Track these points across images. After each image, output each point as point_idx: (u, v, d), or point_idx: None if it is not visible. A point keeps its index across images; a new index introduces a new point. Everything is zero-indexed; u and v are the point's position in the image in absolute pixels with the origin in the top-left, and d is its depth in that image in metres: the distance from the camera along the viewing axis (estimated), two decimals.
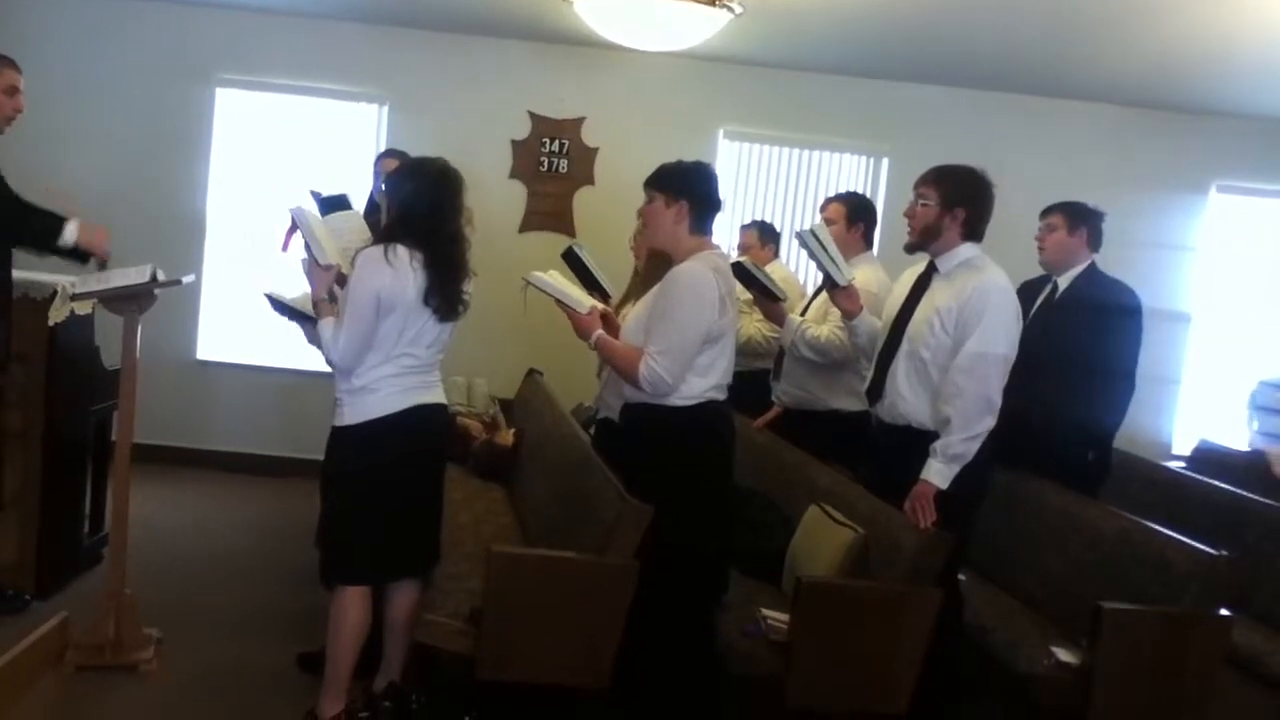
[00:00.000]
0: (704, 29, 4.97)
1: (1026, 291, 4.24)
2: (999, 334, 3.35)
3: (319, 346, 3.27)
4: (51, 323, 4.03)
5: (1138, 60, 5.79)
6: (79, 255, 3.84)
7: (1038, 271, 4.32)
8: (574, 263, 4.18)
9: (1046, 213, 4.23)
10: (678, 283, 3.29)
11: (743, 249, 5.59)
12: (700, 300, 3.27)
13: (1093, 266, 4.18)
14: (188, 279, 4.01)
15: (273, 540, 5.35)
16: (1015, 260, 4.14)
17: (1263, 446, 5.57)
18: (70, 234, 3.71)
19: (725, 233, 6.01)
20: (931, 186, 3.50)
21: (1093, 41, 5.54)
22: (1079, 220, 4.16)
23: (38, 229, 3.74)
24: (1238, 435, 6.46)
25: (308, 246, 3.32)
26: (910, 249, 3.61)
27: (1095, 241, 4.20)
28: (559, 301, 3.43)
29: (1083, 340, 3.99)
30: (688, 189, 3.38)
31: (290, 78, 6.64)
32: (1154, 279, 6.44)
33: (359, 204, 4.21)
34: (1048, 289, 4.20)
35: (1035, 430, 3.91)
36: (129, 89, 6.56)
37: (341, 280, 3.33)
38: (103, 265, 3.86)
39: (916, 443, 3.42)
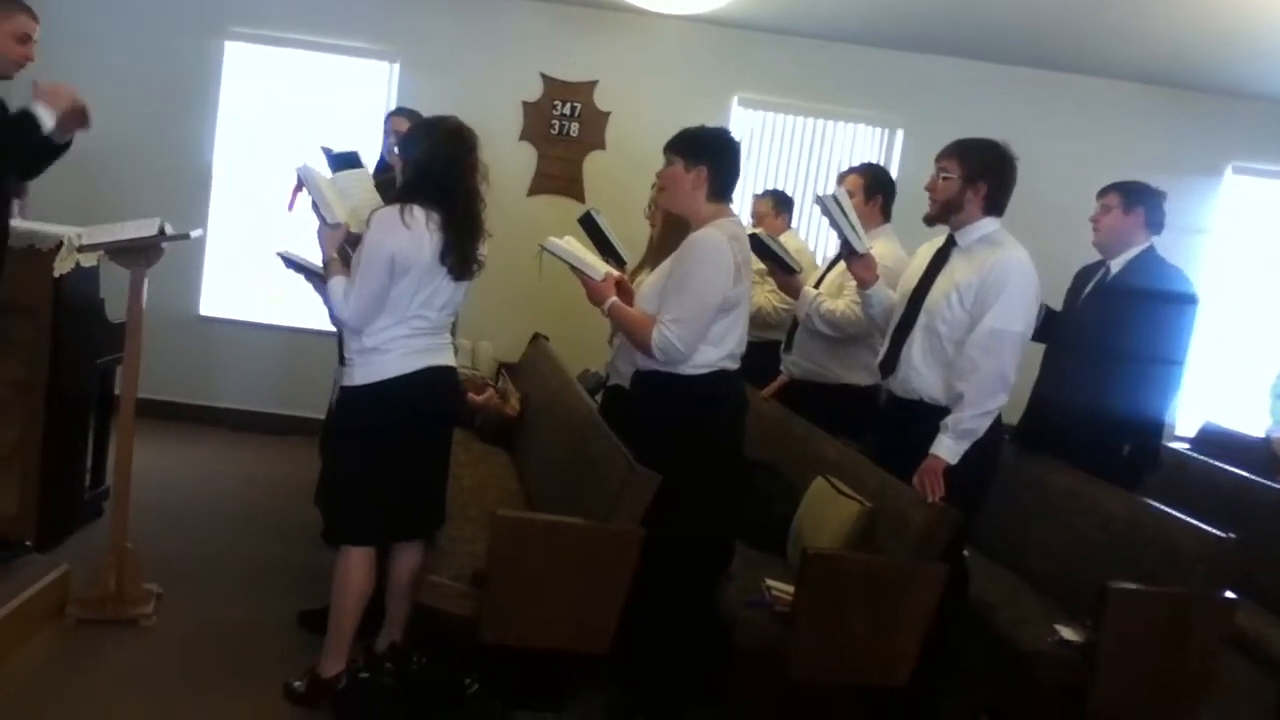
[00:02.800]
0: None
1: (1081, 277, 4.15)
2: (1017, 311, 3.32)
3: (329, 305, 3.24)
4: (57, 274, 3.99)
5: (1156, 38, 5.72)
6: (63, 147, 3.56)
7: (1052, 249, 4.26)
8: (591, 228, 4.14)
9: (1102, 193, 4.05)
10: (694, 250, 3.25)
11: (757, 218, 5.54)
12: (716, 268, 3.23)
13: (1150, 250, 3.98)
14: (196, 233, 3.97)
15: (274, 497, 5.35)
16: (1028, 238, 4.08)
17: (1272, 434, 5.54)
18: (46, 117, 3.35)
19: (739, 201, 5.94)
20: (954, 159, 3.45)
21: (1111, 18, 5.47)
22: (1135, 199, 3.97)
23: (4, 127, 3.38)
24: (1246, 418, 6.43)
25: (315, 206, 3.29)
26: (930, 221, 3.57)
27: (1155, 223, 3.99)
28: (573, 267, 3.39)
29: (1131, 326, 3.82)
30: (708, 155, 3.34)
31: (302, 33, 6.56)
32: (1167, 258, 6.38)
33: (369, 162, 4.16)
34: (1100, 272, 4.04)
35: (1071, 420, 3.86)
36: (138, 41, 6.49)
37: (350, 239, 3.30)
38: (87, 123, 3.56)
39: (928, 417, 3.40)
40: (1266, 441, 5.55)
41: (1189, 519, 3.41)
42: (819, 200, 3.74)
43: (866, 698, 3.44)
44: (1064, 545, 3.77)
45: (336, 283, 3.18)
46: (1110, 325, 3.86)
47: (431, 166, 3.19)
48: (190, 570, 4.24)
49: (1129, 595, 3.20)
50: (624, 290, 3.45)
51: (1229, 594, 3.28)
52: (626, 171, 6.18)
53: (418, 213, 3.11)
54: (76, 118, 3.50)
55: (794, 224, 5.88)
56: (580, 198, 6.60)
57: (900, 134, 6.77)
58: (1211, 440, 5.78)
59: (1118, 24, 5.57)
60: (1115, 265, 4.00)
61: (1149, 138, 6.78)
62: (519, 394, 5.18)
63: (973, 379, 3.30)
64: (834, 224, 3.71)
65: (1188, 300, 3.92)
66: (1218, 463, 4.71)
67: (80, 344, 4.28)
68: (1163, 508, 3.54)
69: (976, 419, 3.30)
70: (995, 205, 3.45)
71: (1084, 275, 4.15)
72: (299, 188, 3.41)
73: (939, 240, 3.58)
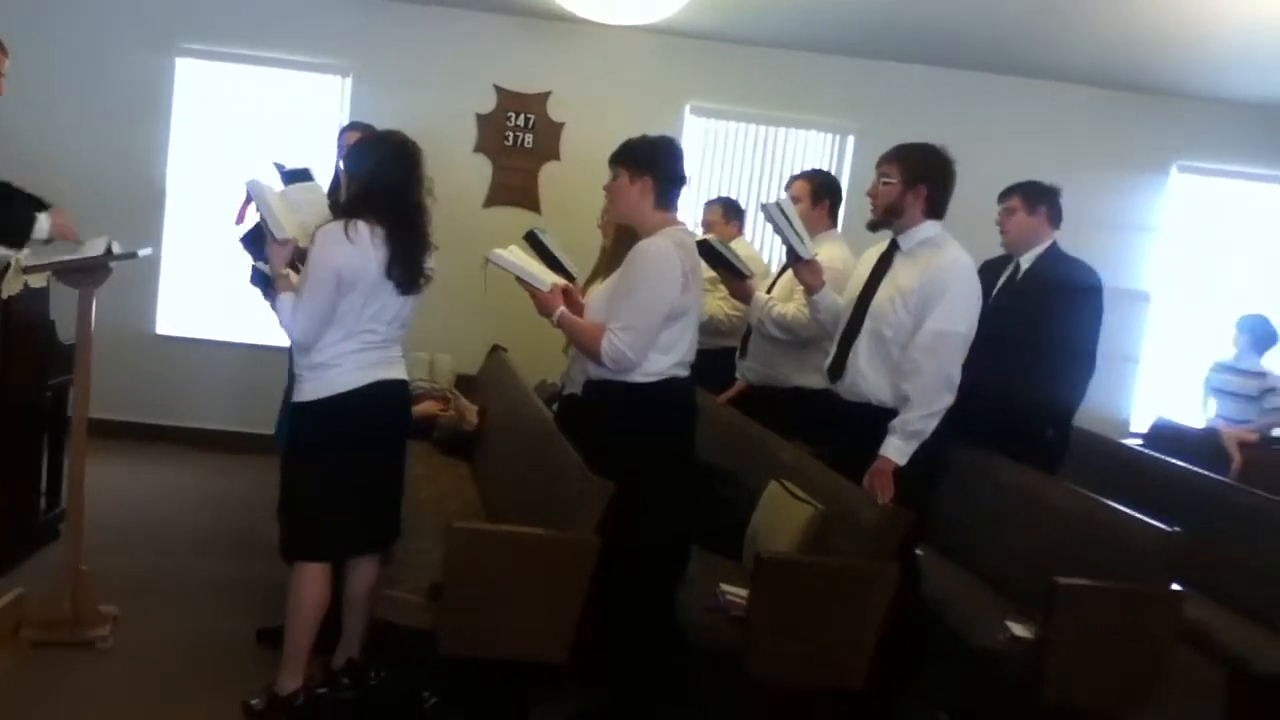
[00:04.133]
0: (670, 3, 4.95)
1: (988, 272, 4.24)
2: (960, 313, 3.38)
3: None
4: (4, 296, 3.95)
5: (1102, 42, 5.83)
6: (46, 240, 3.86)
7: (1001, 251, 4.34)
8: (536, 246, 4.15)
9: (1004, 195, 4.24)
10: (641, 258, 3.28)
11: (707, 225, 5.58)
12: (663, 276, 3.26)
13: (1054, 246, 4.19)
14: (144, 252, 3.95)
15: (232, 515, 5.32)
16: (978, 239, 4.15)
17: (1219, 427, 5.65)
18: (43, 229, 3.71)
19: (691, 209, 5.99)
20: (894, 164, 3.51)
21: (1058, 22, 5.57)
22: (1037, 199, 4.17)
23: (15, 222, 3.75)
24: (1194, 413, 6.54)
25: (263, 221, 3.29)
26: (873, 227, 3.63)
27: (1055, 218, 4.21)
28: (520, 279, 3.41)
29: (1043, 319, 4.01)
30: (652, 164, 3.37)
31: (253, 48, 6.55)
32: (1115, 258, 6.51)
33: (324, 178, 4.16)
34: (1010, 269, 4.21)
35: (995, 408, 3.93)
36: (89, 58, 6.45)
37: (300, 255, 3.30)
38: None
39: (877, 420, 3.44)
40: (1214, 434, 5.66)
41: (1137, 514, 3.47)
42: (763, 208, 3.79)
43: (828, 699, 3.47)
44: (1017, 542, 3.82)
45: (285, 299, 3.18)
46: (1024, 320, 4.02)
47: (377, 181, 3.20)
48: (148, 590, 4.22)
49: (1077, 591, 3.24)
50: (573, 301, 3.47)
51: (1176, 587, 3.34)
52: (582, 181, 6.18)
53: (362, 227, 3.12)
54: (67, 237, 3.90)
55: (746, 231, 5.92)
56: (536, 208, 6.63)
57: (851, 139, 6.85)
58: (1164, 436, 5.86)
59: (1065, 28, 5.66)
60: (1025, 261, 4.18)
61: (1096, 138, 6.89)
62: (477, 406, 5.19)
63: (918, 380, 3.35)
64: (779, 231, 3.76)
65: (1093, 291, 4.11)
66: (1169, 458, 4.78)
67: (31, 365, 4.26)
68: (1112, 504, 3.59)
69: (923, 420, 3.35)
70: (936, 208, 3.51)
71: (991, 269, 4.26)
72: (248, 202, 3.41)
73: (883, 245, 3.63)
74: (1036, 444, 4.06)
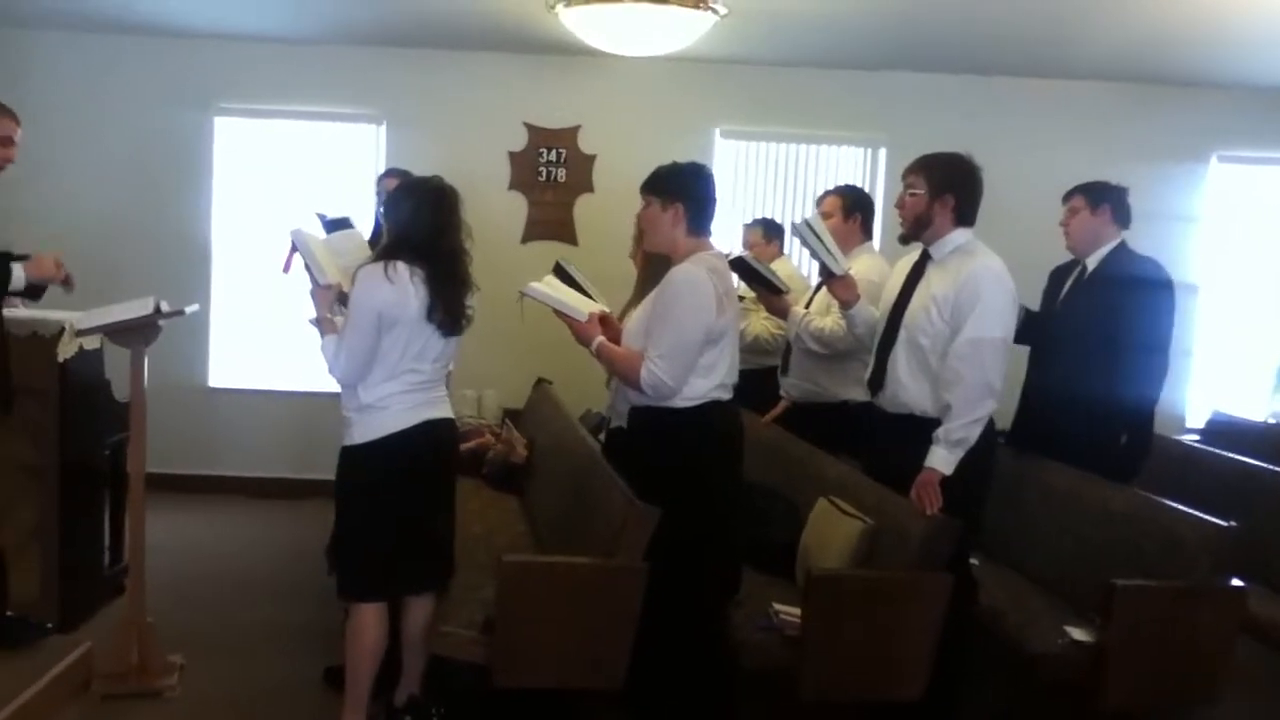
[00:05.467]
0: (689, 33, 4.99)
1: (1057, 277, 4.23)
2: (995, 318, 3.36)
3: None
4: (61, 359, 4.08)
5: (1131, 36, 5.77)
6: (35, 291, 3.78)
7: (1040, 256, 4.31)
8: (563, 278, 4.19)
9: (1067, 196, 4.15)
10: (674, 285, 3.31)
11: (748, 247, 5.59)
12: (697, 301, 3.29)
13: (1122, 246, 4.07)
14: (191, 309, 4.05)
15: (292, 560, 5.39)
16: (1019, 244, 4.13)
17: None
18: (19, 278, 3.61)
19: (728, 232, 6.02)
20: (919, 175, 3.52)
21: (1085, 20, 5.53)
22: (1100, 198, 4.06)
23: None
24: (1252, 406, 6.43)
25: (308, 267, 3.37)
26: (904, 240, 3.63)
27: (1122, 218, 4.09)
28: (557, 311, 3.46)
29: (1112, 319, 3.89)
30: (683, 191, 3.40)
31: (287, 103, 6.71)
32: (1160, 251, 6.24)
33: (364, 225, 4.25)
34: (1076, 271, 4.12)
35: (1065, 416, 3.91)
36: (128, 122, 6.64)
37: (344, 298, 3.37)
38: (68, 288, 3.76)
39: (920, 430, 3.43)
40: (1276, 426, 5.56)
41: (1189, 510, 3.43)
42: (793, 228, 3.81)
43: (880, 714, 3.46)
44: (1068, 545, 3.79)
45: (328, 341, 3.26)
46: (1094, 319, 3.93)
47: (414, 227, 3.26)
48: (212, 638, 4.30)
49: (1135, 591, 3.22)
50: (609, 326, 3.51)
51: (1236, 582, 3.30)
52: (616, 212, 6.20)
53: (401, 267, 3.18)
54: (47, 279, 3.71)
55: (787, 249, 5.93)
56: (573, 240, 6.70)
57: (883, 152, 6.83)
58: (1220, 430, 5.77)
59: (1091, 26, 5.62)
60: (1091, 263, 4.07)
61: (1132, 133, 6.81)
62: (525, 439, 5.24)
63: (958, 389, 3.34)
64: (810, 249, 3.78)
65: (1164, 287, 4.00)
66: (1226, 452, 4.71)
67: (89, 425, 4.37)
68: (1163, 501, 3.56)
69: (967, 427, 3.34)
70: (964, 216, 3.50)
71: (1059, 275, 4.22)
72: (294, 250, 3.50)
73: (916, 255, 3.63)
74: (1109, 452, 3.93)
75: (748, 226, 5.80)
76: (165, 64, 6.63)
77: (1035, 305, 4.16)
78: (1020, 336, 3.87)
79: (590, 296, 4.10)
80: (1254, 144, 6.91)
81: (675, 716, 3.43)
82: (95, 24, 6.39)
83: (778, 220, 5.88)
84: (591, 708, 3.44)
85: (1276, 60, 6.11)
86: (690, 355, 3.29)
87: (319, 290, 3.38)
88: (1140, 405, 3.97)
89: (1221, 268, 7.03)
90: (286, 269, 3.65)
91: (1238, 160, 6.96)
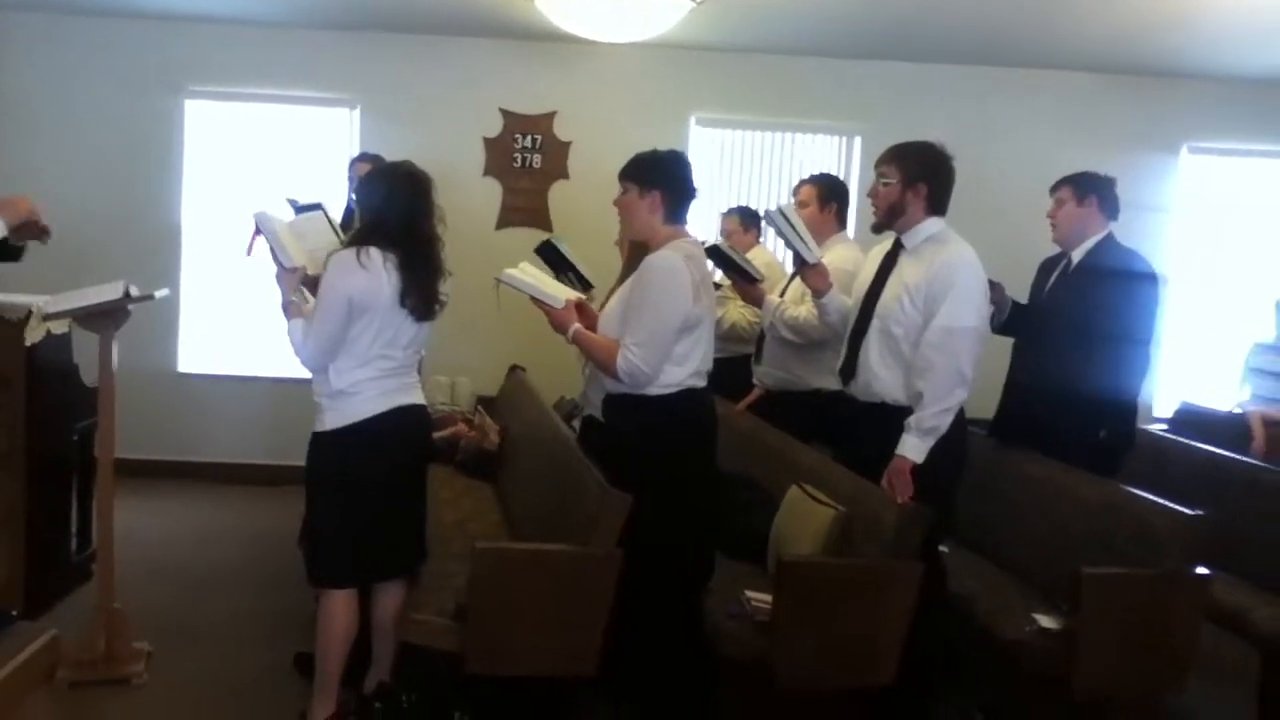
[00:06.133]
0: (665, 19, 4.99)
1: (1044, 269, 4.23)
2: (967, 307, 3.37)
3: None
4: (28, 343, 4.03)
5: (1104, 26, 5.81)
6: (14, 251, 3.64)
7: (1013, 244, 4.34)
8: (552, 255, 4.17)
9: (1055, 188, 4.14)
10: (650, 273, 3.31)
11: (725, 235, 5.59)
12: (674, 289, 3.29)
13: (1109, 238, 4.06)
14: (161, 294, 4.01)
15: (261, 547, 5.38)
16: (993, 233, 4.16)
17: (1252, 409, 5.58)
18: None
19: (704, 220, 6.02)
20: (892, 164, 3.52)
21: (1058, 10, 5.56)
22: (1087, 190, 4.05)
23: None
24: (1219, 396, 6.48)
25: (272, 250, 3.34)
26: (877, 229, 3.64)
27: (1109, 209, 4.08)
28: (533, 298, 3.44)
29: (1095, 310, 3.89)
30: (660, 179, 3.40)
31: (260, 86, 6.64)
32: (1129, 241, 6.33)
33: (336, 211, 4.22)
34: (1063, 263, 4.12)
35: (1048, 407, 3.91)
36: (98, 105, 6.57)
37: (309, 282, 3.35)
38: (44, 237, 3.59)
39: (892, 419, 3.44)
40: (1241, 416, 5.61)
41: (1160, 500, 3.46)
42: (766, 215, 3.81)
43: (857, 701, 3.47)
44: (1040, 534, 3.81)
45: (295, 325, 3.24)
46: (1077, 311, 3.92)
47: (387, 212, 3.24)
48: (181, 626, 4.27)
49: (1103, 579, 3.25)
50: (584, 312, 3.50)
51: (1203, 570, 3.33)
52: (591, 198, 6.24)
53: (374, 254, 3.16)
54: (31, 230, 3.52)
55: (764, 238, 5.93)
56: (548, 227, 6.67)
57: (859, 140, 6.85)
58: (1188, 420, 5.81)
59: (1065, 16, 5.65)
60: (1077, 255, 4.07)
61: (1104, 124, 6.86)
62: (498, 426, 5.22)
63: (930, 377, 3.35)
64: (784, 237, 3.79)
65: (1149, 279, 4.00)
66: (1194, 442, 4.75)
67: (57, 410, 4.32)
68: (1134, 490, 3.59)
69: (938, 416, 3.35)
70: (937, 205, 3.51)
71: (1047, 266, 4.23)
72: (257, 233, 3.47)
73: (889, 244, 3.64)
74: (1089, 445, 3.92)
75: (725, 215, 5.80)
76: (136, 47, 6.56)
77: (1009, 292, 4.16)
78: (1006, 328, 3.89)
79: (582, 276, 4.10)
80: (1224, 135, 6.97)
81: (650, 704, 3.44)
82: (65, 7, 6.32)
83: (754, 208, 5.88)
84: (565, 695, 3.43)
85: (1247, 52, 6.16)
86: (667, 342, 3.29)
87: (284, 274, 3.35)
88: (1121, 399, 3.97)
89: (1191, 258, 7.09)
90: (250, 252, 3.62)
91: (1208, 151, 7.02)
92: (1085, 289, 3.97)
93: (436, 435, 4.43)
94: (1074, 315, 3.92)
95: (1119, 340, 3.89)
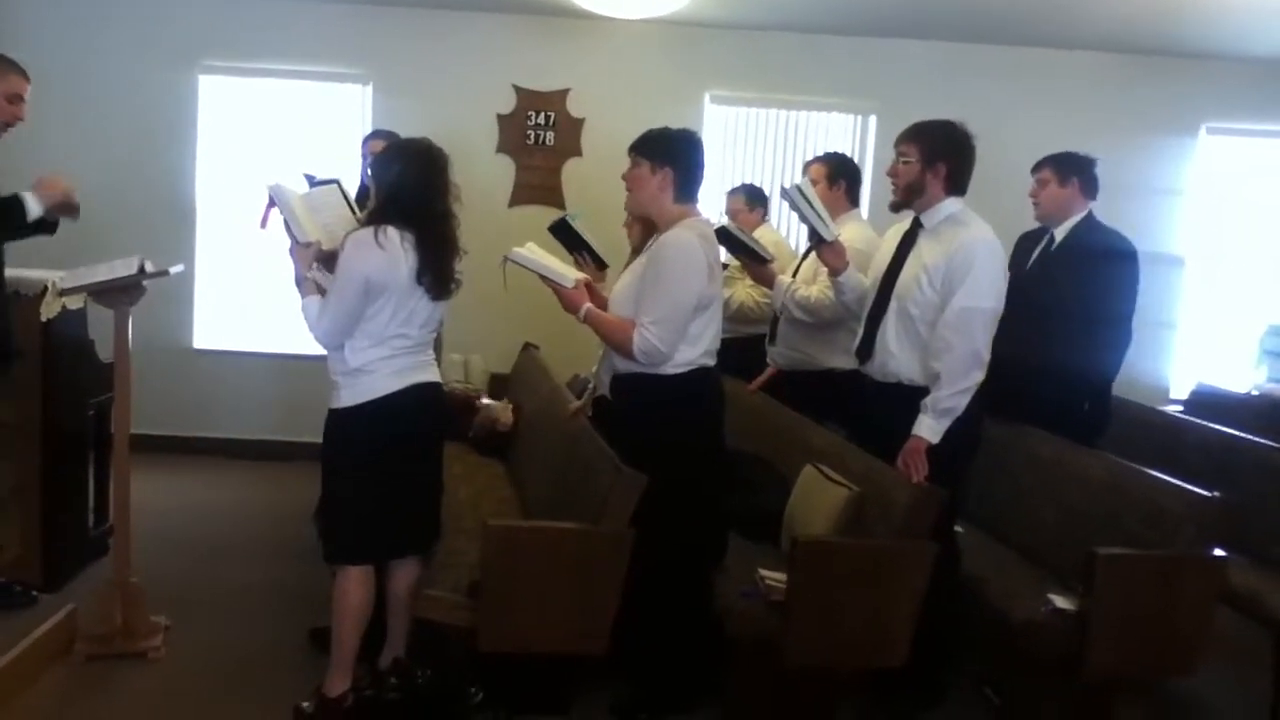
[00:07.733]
0: None
1: (1026, 243, 4.27)
2: (986, 288, 3.36)
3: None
4: (44, 318, 4.04)
5: (1124, 5, 5.75)
6: (49, 226, 3.80)
7: (1028, 225, 4.31)
8: (566, 233, 4.15)
9: (1036, 168, 4.21)
10: (667, 251, 3.30)
11: (730, 214, 5.57)
12: (690, 267, 3.29)
13: (1090, 217, 4.15)
14: (176, 269, 4.02)
15: (277, 522, 5.40)
16: (1010, 214, 4.15)
17: (1273, 389, 5.55)
18: (34, 206, 3.62)
19: (714, 198, 5.99)
20: (911, 143, 3.50)
21: None
22: (1069, 170, 4.13)
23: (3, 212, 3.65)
24: (1236, 378, 6.46)
25: (286, 224, 3.34)
26: (895, 207, 3.62)
27: (1090, 190, 4.16)
28: (543, 277, 3.43)
29: (1077, 289, 3.97)
30: (673, 157, 3.39)
31: (273, 61, 6.63)
32: (1147, 224, 6.43)
33: (351, 187, 4.21)
34: (1045, 240, 4.19)
35: (1031, 381, 3.94)
36: (113, 80, 6.56)
37: (323, 256, 3.35)
38: (74, 214, 3.81)
39: (907, 399, 3.44)
40: (1262, 398, 5.58)
41: (1173, 480, 3.45)
42: (783, 192, 3.79)
43: (867, 680, 3.49)
44: (1052, 514, 3.81)
45: (310, 301, 3.24)
46: (1058, 290, 4.00)
47: (403, 189, 3.23)
48: (197, 599, 4.30)
49: (1117, 560, 3.23)
50: (594, 293, 3.49)
51: (1218, 552, 3.32)
52: (604, 176, 6.15)
53: (392, 233, 3.15)
54: (65, 209, 3.74)
55: (771, 217, 5.90)
56: (561, 205, 6.65)
57: (873, 119, 6.80)
58: (1204, 401, 5.80)
59: None
60: (1059, 233, 4.16)
61: (1122, 104, 6.81)
62: (511, 405, 5.23)
63: (947, 358, 3.34)
64: (800, 214, 3.77)
65: (1128, 259, 4.06)
66: (1209, 423, 4.73)
67: (73, 385, 4.34)
68: (1148, 471, 3.58)
69: (954, 397, 3.34)
70: (957, 185, 3.49)
71: (1027, 241, 4.27)
72: (271, 206, 3.46)
73: (906, 224, 3.62)
74: (1072, 417, 4.03)
75: (730, 193, 5.75)
76: (150, 22, 6.54)
77: None
78: None
79: (597, 254, 4.07)
80: (1243, 116, 6.90)
81: (661, 682, 3.46)
82: None
83: (765, 187, 5.85)
84: (576, 673, 3.45)
85: (1266, 31, 6.10)
86: (683, 321, 3.29)
87: (298, 248, 3.35)
88: (1100, 375, 4.08)
89: (1208, 239, 7.04)
90: (264, 224, 3.61)
91: (1226, 132, 6.95)
92: (1067, 268, 4.05)
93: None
94: (1059, 292, 4.00)
95: (1101, 318, 3.98)
